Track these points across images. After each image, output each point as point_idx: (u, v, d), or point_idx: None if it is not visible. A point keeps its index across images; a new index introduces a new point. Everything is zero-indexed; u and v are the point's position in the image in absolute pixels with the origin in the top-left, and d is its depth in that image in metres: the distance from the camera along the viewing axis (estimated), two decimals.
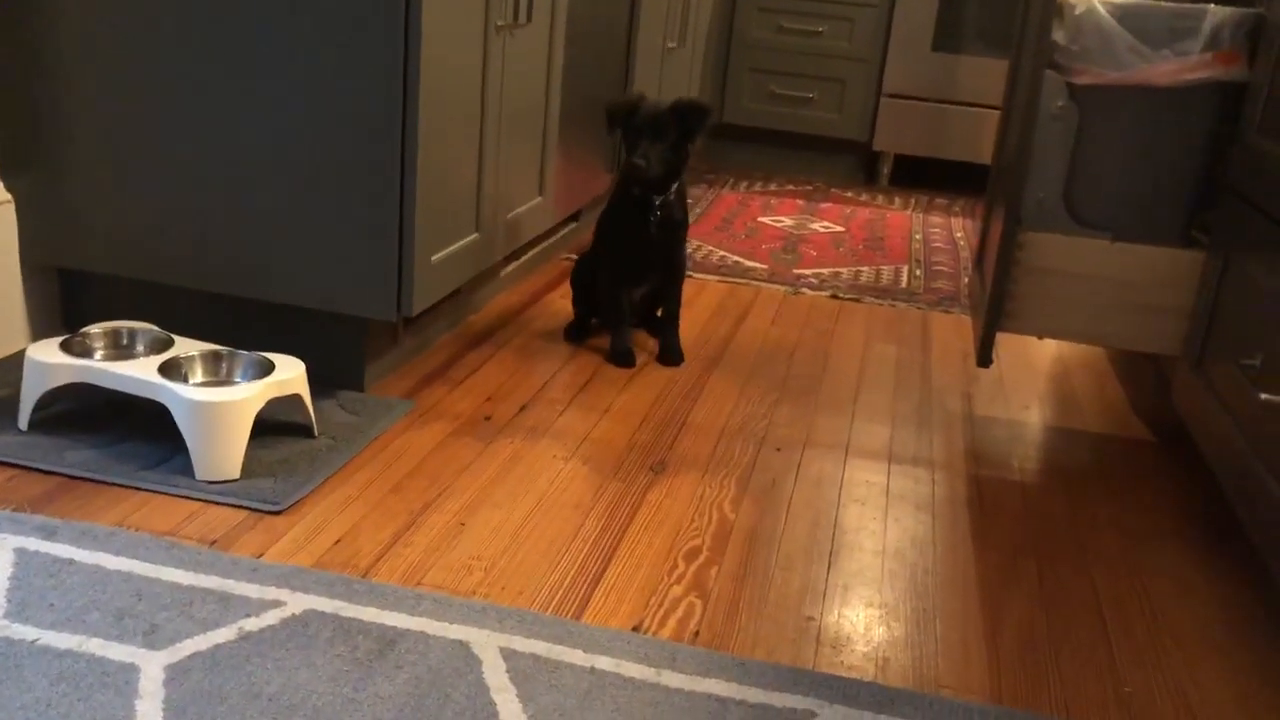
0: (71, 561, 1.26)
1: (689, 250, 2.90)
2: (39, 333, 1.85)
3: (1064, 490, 1.72)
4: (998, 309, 1.78)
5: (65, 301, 1.89)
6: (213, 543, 1.34)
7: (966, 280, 2.87)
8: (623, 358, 2.05)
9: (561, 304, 2.32)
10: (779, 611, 1.31)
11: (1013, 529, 1.58)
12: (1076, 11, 1.69)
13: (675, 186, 2.05)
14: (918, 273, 2.92)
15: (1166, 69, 1.66)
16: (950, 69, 3.92)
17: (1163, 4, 1.70)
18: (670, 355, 2.10)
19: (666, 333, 2.12)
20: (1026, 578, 1.45)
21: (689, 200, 3.46)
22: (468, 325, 2.19)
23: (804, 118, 4.07)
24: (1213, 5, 1.68)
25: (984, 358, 1.82)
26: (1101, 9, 1.68)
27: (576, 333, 2.18)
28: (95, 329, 1.64)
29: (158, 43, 1.66)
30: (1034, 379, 2.22)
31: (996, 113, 3.84)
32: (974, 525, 1.58)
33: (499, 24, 1.88)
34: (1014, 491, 1.70)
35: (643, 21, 2.83)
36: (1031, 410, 2.06)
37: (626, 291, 2.10)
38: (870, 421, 1.91)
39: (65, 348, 1.57)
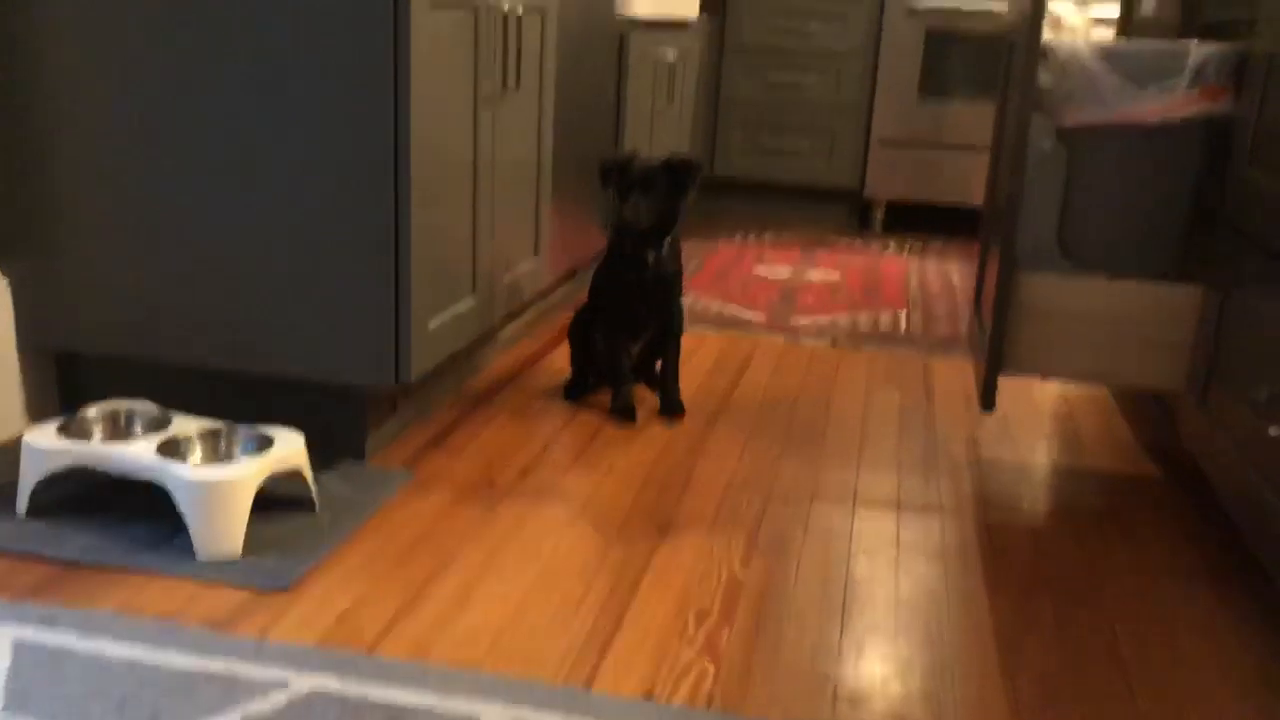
0: (71, 650, 1.23)
1: (686, 304, 2.89)
2: (36, 415, 1.83)
3: (1075, 532, 1.70)
4: (998, 352, 1.77)
5: (63, 383, 1.88)
6: (215, 624, 1.31)
7: (965, 324, 2.86)
8: (625, 414, 2.04)
9: (561, 363, 2.31)
10: (794, 671, 1.28)
11: (1026, 574, 1.55)
12: (1061, 54, 1.70)
13: (669, 241, 2.05)
14: (915, 318, 2.91)
15: (1153, 107, 1.67)
16: (938, 114, 3.94)
17: (1146, 43, 1.71)
18: (671, 408, 2.08)
19: (666, 386, 2.11)
20: (1043, 624, 1.42)
21: (684, 254, 3.46)
22: (467, 389, 2.18)
23: (795, 169, 4.09)
24: (1195, 42, 1.69)
25: (987, 401, 1.81)
26: (1086, 50, 1.69)
27: (576, 390, 2.17)
28: (92, 410, 1.62)
29: (152, 124, 1.67)
30: (1039, 420, 2.20)
31: (986, 155, 3.85)
32: (986, 572, 1.55)
33: (487, 93, 1.89)
34: (1025, 535, 1.68)
35: (631, 83, 2.85)
36: (1038, 451, 2.04)
37: (624, 346, 2.09)
38: (876, 470, 1.89)
39: (63, 431, 1.56)
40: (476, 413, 2.06)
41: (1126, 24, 2.62)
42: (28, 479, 1.53)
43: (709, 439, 2.00)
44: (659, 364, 2.18)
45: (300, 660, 1.23)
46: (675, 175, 1.99)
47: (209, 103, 1.64)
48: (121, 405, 1.65)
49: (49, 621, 1.28)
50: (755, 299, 3.02)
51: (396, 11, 1.56)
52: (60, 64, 1.67)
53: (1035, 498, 1.83)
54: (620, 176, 2.00)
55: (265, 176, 1.65)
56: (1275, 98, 1.49)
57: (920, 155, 3.99)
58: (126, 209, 1.71)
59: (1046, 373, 1.80)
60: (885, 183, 4.04)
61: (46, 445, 1.52)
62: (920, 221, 4.17)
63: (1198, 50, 1.66)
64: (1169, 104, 1.66)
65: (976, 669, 1.31)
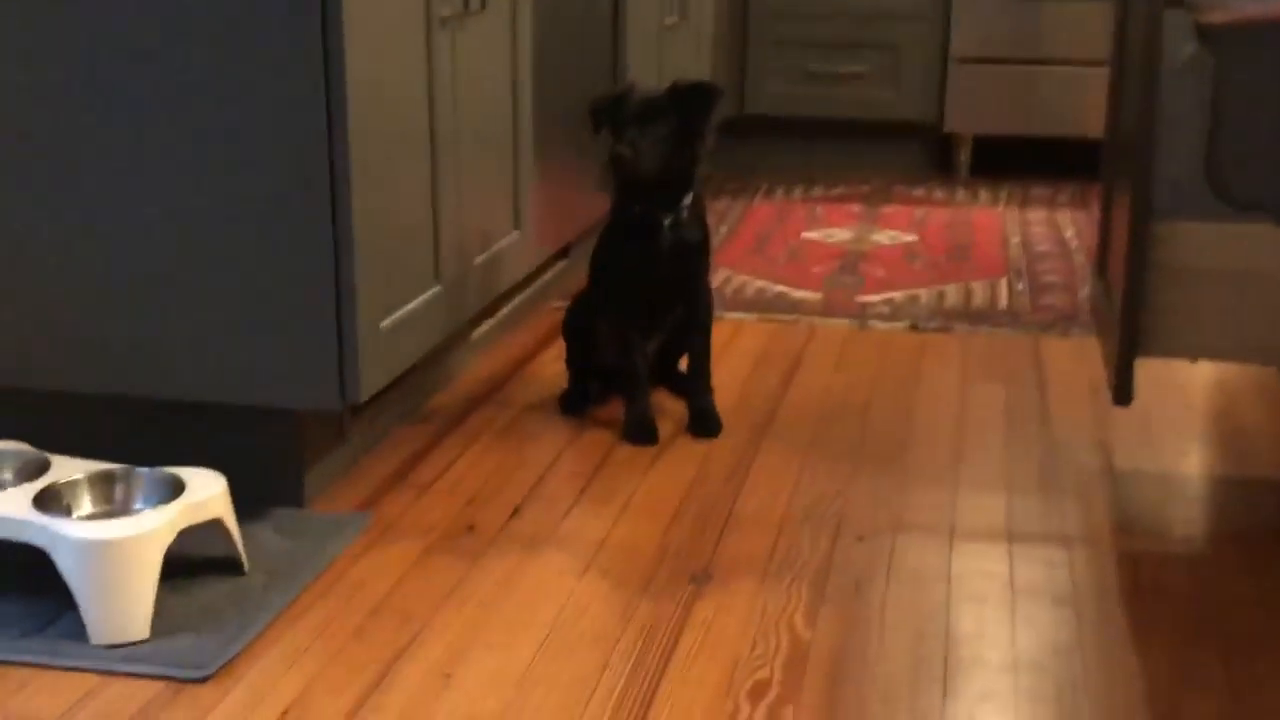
0: None
1: (716, 282, 2.89)
2: None
3: (1247, 561, 1.69)
4: (1133, 327, 1.77)
5: None
6: None
7: (1087, 293, 2.85)
8: (642, 432, 2.04)
9: (555, 367, 2.32)
10: None
11: (1185, 619, 1.55)
12: None
13: (688, 200, 2.05)
14: (1020, 287, 2.91)
15: None
16: (1035, 19, 3.94)
17: None
18: (704, 422, 2.08)
19: (696, 393, 2.11)
20: (1211, 683, 1.41)
21: (710, 218, 3.46)
22: (436, 406, 2.18)
23: (851, 99, 4.09)
24: None
25: (1122, 393, 1.80)
26: None
27: (575, 401, 2.17)
28: None
29: (13, 107, 1.67)
30: (1190, 416, 2.20)
31: (1103, 71, 3.84)
32: (1133, 619, 1.55)
33: (444, 15, 1.89)
34: (1180, 568, 1.67)
35: None
36: (1191, 458, 2.03)
37: (638, 342, 2.09)
38: (979, 491, 1.89)
39: None
40: (450, 436, 2.06)
41: None
42: None
43: (755, 459, 2.00)
44: (684, 363, 2.18)
45: None
46: (685, 103, 1.99)
47: (84, 59, 1.64)
48: None
49: None
50: (806, 273, 3.02)
51: None
52: None
53: (1190, 519, 1.82)
54: (614, 114, 2.00)
55: (158, 146, 1.65)
56: None
57: (1015, 74, 3.98)
58: None
59: (1198, 352, 1.79)
60: (970, 112, 4.03)
61: None
62: (1019, 161, 4.17)
63: None
64: None
65: None
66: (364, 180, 1.67)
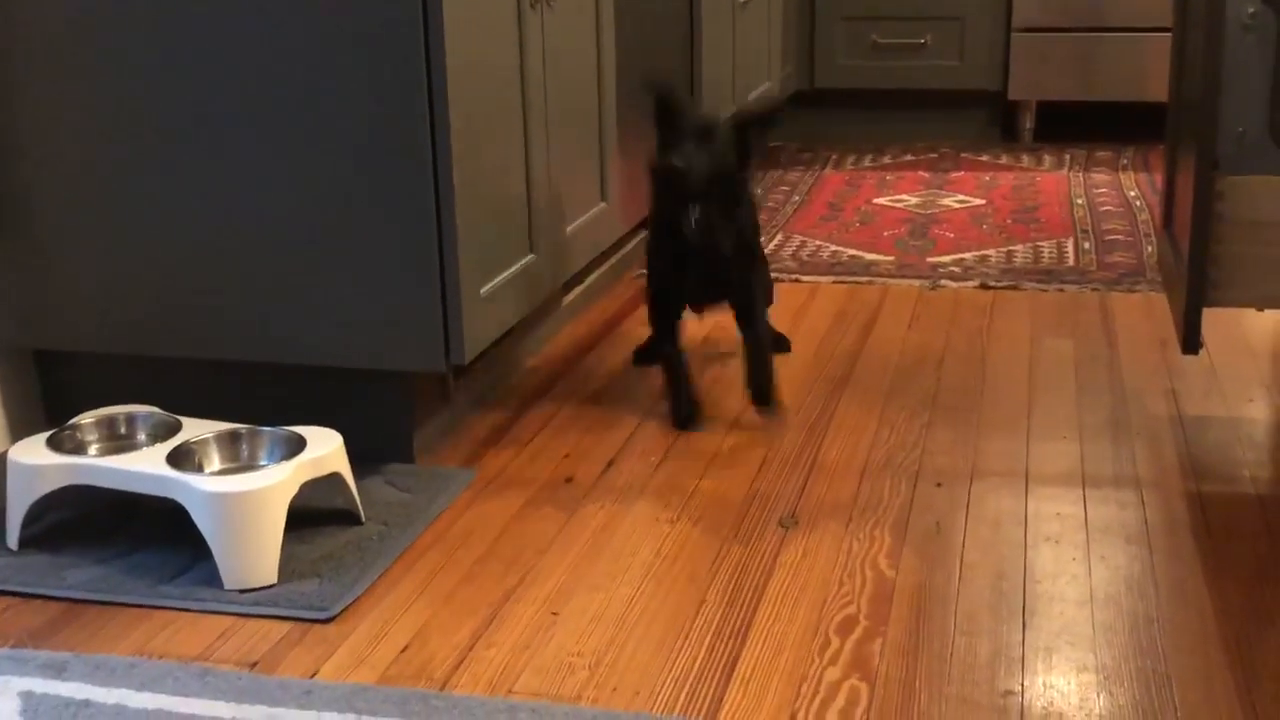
0: (88, 703, 1.28)
1: (790, 249, 2.90)
2: (19, 430, 1.90)
3: None
4: (1200, 279, 1.75)
5: (46, 389, 1.95)
6: (254, 664, 1.36)
7: (1152, 249, 2.82)
8: (689, 423, 1.95)
9: (641, 331, 2.33)
10: (967, 688, 1.29)
11: (1254, 555, 1.54)
12: None
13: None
14: (1086, 246, 2.88)
15: None
16: None
17: None
18: (759, 393, 1.95)
19: (753, 357, 1.97)
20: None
21: (784, 187, 3.46)
22: (532, 367, 2.21)
23: (917, 70, 4.05)
24: None
25: (1189, 342, 1.78)
26: None
27: (646, 356, 2.17)
28: (87, 419, 1.68)
29: (133, 81, 1.71)
30: (1256, 363, 2.17)
31: (1164, 36, 3.78)
32: (1204, 555, 1.54)
33: None
34: (1249, 507, 1.66)
35: None
36: (1257, 403, 2.01)
37: (677, 337, 2.00)
38: (1052, 438, 1.88)
39: (54, 445, 1.62)
40: (546, 396, 2.09)
41: None
42: (17, 504, 1.59)
43: (836, 409, 2.00)
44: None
45: (360, 701, 1.27)
46: (744, 137, 1.91)
47: (199, 40, 1.68)
48: (120, 411, 1.71)
49: (58, 670, 1.34)
50: (878, 237, 3.01)
51: None
52: (30, 29, 1.72)
53: (1258, 460, 1.80)
54: (670, 115, 1.90)
55: (271, 125, 1.68)
56: None
57: (1077, 41, 3.92)
58: (112, 176, 1.76)
59: (1264, 301, 1.77)
60: (1033, 79, 3.98)
61: (36, 462, 1.58)
62: (1082, 125, 4.11)
63: None
64: None
65: (1201, 676, 1.30)
66: (463, 154, 1.69)
